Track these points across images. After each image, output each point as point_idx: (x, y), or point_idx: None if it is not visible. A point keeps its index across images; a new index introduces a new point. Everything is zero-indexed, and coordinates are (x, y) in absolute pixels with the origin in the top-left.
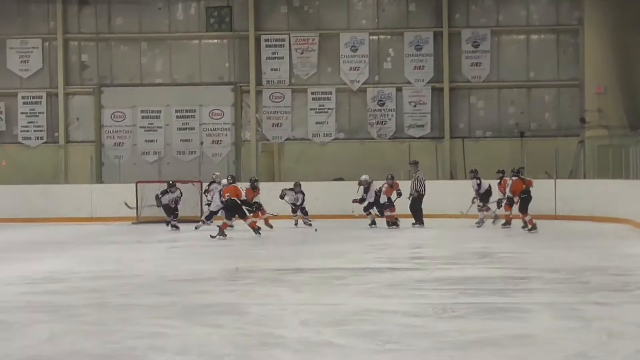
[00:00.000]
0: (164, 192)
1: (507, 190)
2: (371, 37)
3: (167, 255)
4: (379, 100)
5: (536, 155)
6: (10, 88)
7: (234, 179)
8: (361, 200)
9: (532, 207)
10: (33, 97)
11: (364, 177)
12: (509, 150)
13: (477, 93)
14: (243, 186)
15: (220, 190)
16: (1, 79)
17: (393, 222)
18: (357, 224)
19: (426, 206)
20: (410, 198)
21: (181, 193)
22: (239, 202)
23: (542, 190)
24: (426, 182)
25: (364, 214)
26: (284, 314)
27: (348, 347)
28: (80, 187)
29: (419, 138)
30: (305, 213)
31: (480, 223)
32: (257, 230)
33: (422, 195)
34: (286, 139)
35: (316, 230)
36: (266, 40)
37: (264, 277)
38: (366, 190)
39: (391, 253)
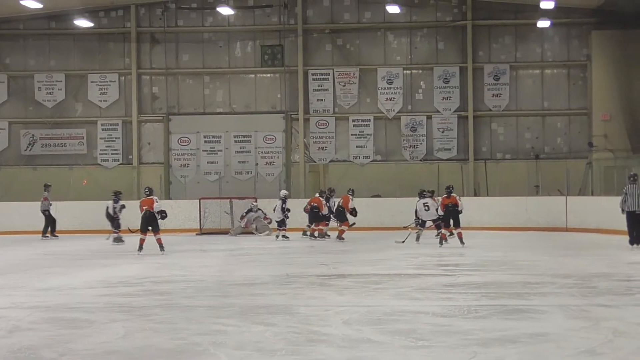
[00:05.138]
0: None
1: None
2: (405, 72)
3: (227, 262)
4: (412, 127)
5: (550, 175)
6: (91, 116)
7: (151, 191)
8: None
9: (548, 221)
10: (110, 125)
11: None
12: (526, 171)
13: (498, 120)
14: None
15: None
16: (84, 108)
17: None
18: (393, 235)
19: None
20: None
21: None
22: (154, 214)
23: (555, 205)
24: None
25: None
26: (329, 314)
27: (385, 343)
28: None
29: (447, 160)
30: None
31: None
32: (162, 246)
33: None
34: (330, 161)
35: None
36: (313, 74)
37: (311, 282)
38: (327, 200)
39: (422, 261)
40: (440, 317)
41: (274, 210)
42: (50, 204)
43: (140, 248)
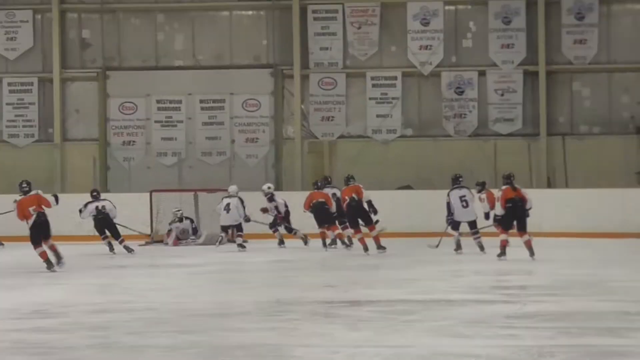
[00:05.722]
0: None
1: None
2: (447, 8)
3: (188, 284)
4: (457, 88)
5: None
6: None
7: (29, 185)
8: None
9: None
10: (22, 84)
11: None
12: (622, 151)
13: (582, 78)
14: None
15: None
16: None
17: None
18: (433, 242)
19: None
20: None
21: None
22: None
23: None
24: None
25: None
26: (337, 359)
27: None
28: (80, 197)
29: (508, 135)
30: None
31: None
32: (59, 258)
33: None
34: (339, 137)
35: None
36: (314, 11)
37: (312, 311)
38: (271, 200)
39: (471, 281)
40: None
41: (225, 208)
42: None
43: (50, 264)
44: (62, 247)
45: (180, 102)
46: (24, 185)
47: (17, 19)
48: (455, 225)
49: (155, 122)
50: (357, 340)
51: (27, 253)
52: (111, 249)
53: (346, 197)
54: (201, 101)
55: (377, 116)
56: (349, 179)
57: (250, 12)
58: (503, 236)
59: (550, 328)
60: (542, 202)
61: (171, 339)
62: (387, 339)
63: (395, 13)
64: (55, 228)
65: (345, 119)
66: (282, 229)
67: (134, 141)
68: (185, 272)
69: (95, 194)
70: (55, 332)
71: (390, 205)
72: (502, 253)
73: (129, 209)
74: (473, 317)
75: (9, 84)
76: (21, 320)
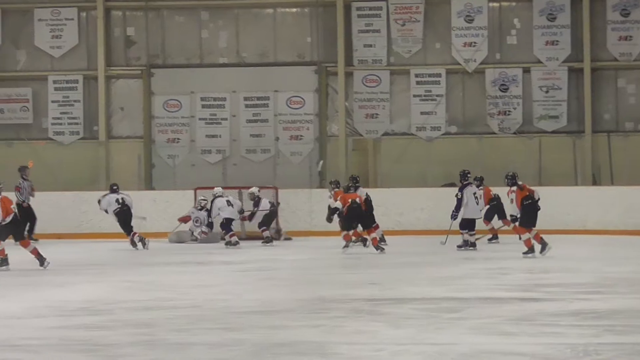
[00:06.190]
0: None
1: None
2: (491, 4)
3: (232, 281)
4: (501, 85)
5: None
6: (39, 70)
7: None
8: (251, 216)
9: None
10: (67, 82)
11: (252, 189)
12: None
13: (627, 75)
14: None
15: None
16: (28, 58)
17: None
18: (478, 240)
19: (561, 219)
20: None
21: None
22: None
23: None
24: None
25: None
26: (381, 356)
27: None
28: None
29: (552, 132)
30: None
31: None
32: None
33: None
34: (383, 134)
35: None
36: (358, 8)
37: (355, 309)
38: (256, 204)
39: (516, 279)
40: None
41: (227, 204)
42: (32, 192)
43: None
44: (107, 244)
45: (224, 99)
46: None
47: (62, 16)
48: (469, 224)
49: (200, 119)
50: (401, 337)
51: (67, 250)
52: (144, 244)
53: (349, 200)
54: (245, 99)
55: (421, 113)
56: (354, 181)
57: (294, 10)
58: (526, 235)
59: (595, 326)
60: (587, 200)
61: (216, 336)
62: (430, 337)
63: (439, 10)
64: (99, 226)
65: (389, 116)
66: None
67: (178, 139)
68: (228, 270)
69: (115, 187)
70: (100, 329)
71: (434, 203)
72: (531, 250)
73: (174, 206)
74: (517, 314)
75: (55, 82)
76: (67, 318)
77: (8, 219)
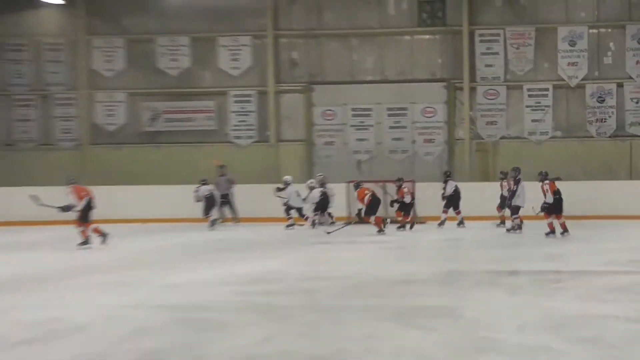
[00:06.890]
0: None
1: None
2: (590, 31)
3: (378, 256)
4: (599, 97)
5: None
6: (221, 86)
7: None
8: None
9: None
10: (243, 96)
11: (286, 177)
12: None
13: None
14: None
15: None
16: (212, 77)
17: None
18: (575, 225)
19: None
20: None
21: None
22: None
23: None
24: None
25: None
26: (500, 318)
27: (568, 352)
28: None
29: None
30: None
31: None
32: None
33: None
34: (501, 137)
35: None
36: (480, 35)
37: (478, 280)
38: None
39: (612, 256)
40: (635, 322)
41: (296, 196)
42: (231, 185)
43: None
44: (272, 227)
45: (370, 110)
46: None
47: (239, 43)
48: (517, 210)
49: (351, 126)
50: (516, 303)
51: (243, 232)
52: (212, 224)
53: (366, 192)
54: (388, 109)
55: (532, 121)
56: (358, 185)
57: (427, 36)
58: (550, 219)
59: None
60: None
61: (363, 301)
62: (540, 302)
63: (548, 36)
64: (272, 210)
65: (505, 123)
66: (294, 213)
67: (333, 142)
68: (376, 247)
69: (204, 181)
70: (273, 295)
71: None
72: (552, 232)
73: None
74: (613, 285)
75: (234, 96)
76: (246, 285)
77: (82, 204)
